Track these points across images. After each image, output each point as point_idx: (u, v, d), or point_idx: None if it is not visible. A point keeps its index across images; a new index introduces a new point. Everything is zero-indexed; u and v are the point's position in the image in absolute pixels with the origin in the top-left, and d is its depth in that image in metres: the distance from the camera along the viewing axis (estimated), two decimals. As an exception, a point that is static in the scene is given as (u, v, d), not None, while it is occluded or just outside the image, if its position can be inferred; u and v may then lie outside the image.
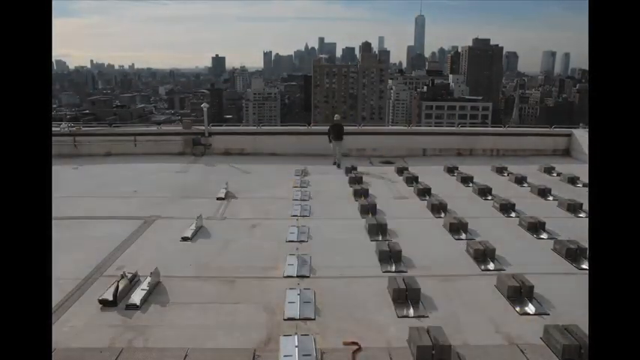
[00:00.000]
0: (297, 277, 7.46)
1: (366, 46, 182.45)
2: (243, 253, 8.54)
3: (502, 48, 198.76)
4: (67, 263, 7.67)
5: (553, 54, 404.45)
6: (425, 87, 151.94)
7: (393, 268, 7.81)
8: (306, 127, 21.09)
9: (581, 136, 17.80)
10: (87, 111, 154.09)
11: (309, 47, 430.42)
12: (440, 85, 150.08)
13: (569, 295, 6.87)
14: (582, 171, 14.25)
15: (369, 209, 10.78)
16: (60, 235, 9.18)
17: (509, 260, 8.15)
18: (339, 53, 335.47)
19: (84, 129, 19.72)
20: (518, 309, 6.55)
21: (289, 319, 6.23)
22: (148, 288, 6.81)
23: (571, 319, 5.92)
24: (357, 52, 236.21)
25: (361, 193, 12.22)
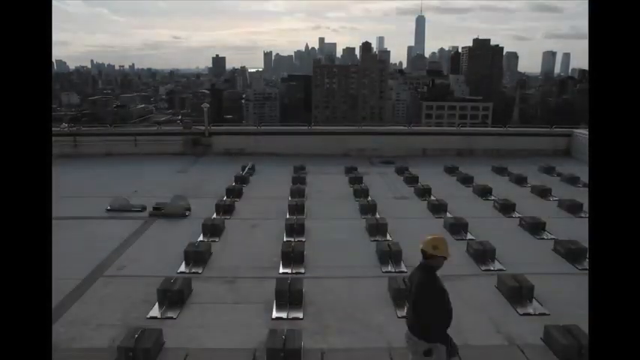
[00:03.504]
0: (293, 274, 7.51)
1: (366, 47, 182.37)
2: (243, 253, 8.54)
3: (502, 48, 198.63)
4: (67, 263, 7.67)
5: (553, 54, 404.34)
6: (425, 87, 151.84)
7: (393, 268, 7.82)
8: (306, 127, 21.08)
9: (581, 136, 17.80)
10: (87, 111, 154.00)
11: (310, 47, 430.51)
12: (440, 85, 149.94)
13: (569, 295, 6.87)
14: (582, 171, 14.25)
15: (369, 209, 10.78)
16: (60, 235, 9.17)
17: (509, 260, 8.15)
18: (339, 53, 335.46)
19: (84, 129, 19.73)
20: (518, 309, 6.56)
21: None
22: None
23: (571, 319, 5.92)
24: (357, 52, 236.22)
25: (361, 193, 12.23)
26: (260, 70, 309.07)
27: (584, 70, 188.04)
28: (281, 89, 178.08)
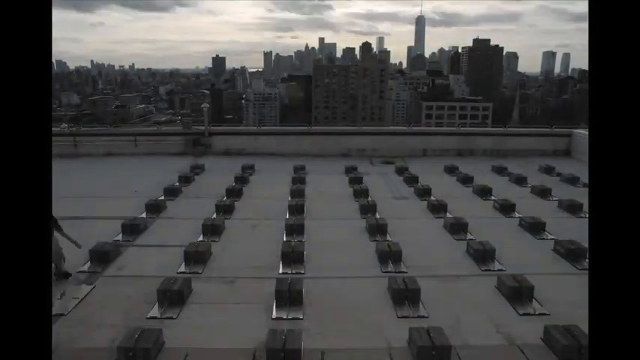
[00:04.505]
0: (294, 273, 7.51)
1: (366, 47, 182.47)
2: (243, 253, 8.54)
3: (502, 48, 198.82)
4: (68, 263, 7.67)
5: (553, 54, 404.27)
6: (425, 87, 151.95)
7: (393, 268, 7.82)
8: (306, 127, 21.09)
9: (581, 136, 17.80)
10: (87, 111, 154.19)
11: (310, 47, 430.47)
12: (440, 85, 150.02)
13: (569, 295, 6.87)
14: (582, 171, 14.25)
15: (369, 209, 10.78)
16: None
17: (509, 260, 8.15)
18: (339, 53, 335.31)
19: (84, 129, 19.73)
20: (518, 309, 6.55)
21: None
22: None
23: (571, 319, 5.93)
24: (357, 52, 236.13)
25: (361, 193, 12.23)
26: (260, 70, 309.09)
27: (584, 70, 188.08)
28: (281, 89, 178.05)
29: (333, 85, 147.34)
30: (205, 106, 19.16)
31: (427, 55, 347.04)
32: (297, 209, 10.75)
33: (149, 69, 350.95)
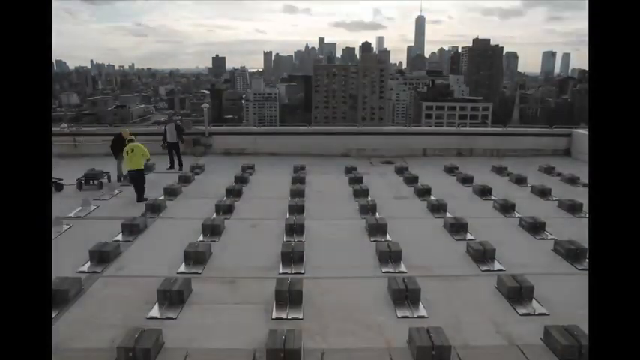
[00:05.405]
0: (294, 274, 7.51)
1: (365, 47, 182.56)
2: (243, 253, 8.54)
3: (502, 48, 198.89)
4: (68, 263, 7.67)
5: (553, 54, 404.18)
6: (425, 87, 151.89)
7: (393, 268, 7.82)
8: (306, 127, 21.09)
9: (581, 136, 17.80)
10: (87, 111, 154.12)
11: (310, 47, 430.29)
12: (440, 86, 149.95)
13: (569, 295, 6.87)
14: (582, 171, 14.25)
15: (369, 209, 10.78)
16: (60, 235, 9.20)
17: (509, 260, 8.15)
18: (339, 53, 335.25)
19: (84, 129, 19.72)
20: (518, 309, 6.55)
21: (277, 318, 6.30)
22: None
23: (571, 319, 5.93)
24: (357, 52, 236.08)
25: (361, 193, 12.23)
26: (260, 70, 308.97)
27: (584, 70, 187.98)
28: (281, 89, 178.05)
29: (333, 85, 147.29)
30: (205, 106, 19.17)
31: (427, 55, 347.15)
32: (297, 209, 10.75)
33: (149, 69, 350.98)
